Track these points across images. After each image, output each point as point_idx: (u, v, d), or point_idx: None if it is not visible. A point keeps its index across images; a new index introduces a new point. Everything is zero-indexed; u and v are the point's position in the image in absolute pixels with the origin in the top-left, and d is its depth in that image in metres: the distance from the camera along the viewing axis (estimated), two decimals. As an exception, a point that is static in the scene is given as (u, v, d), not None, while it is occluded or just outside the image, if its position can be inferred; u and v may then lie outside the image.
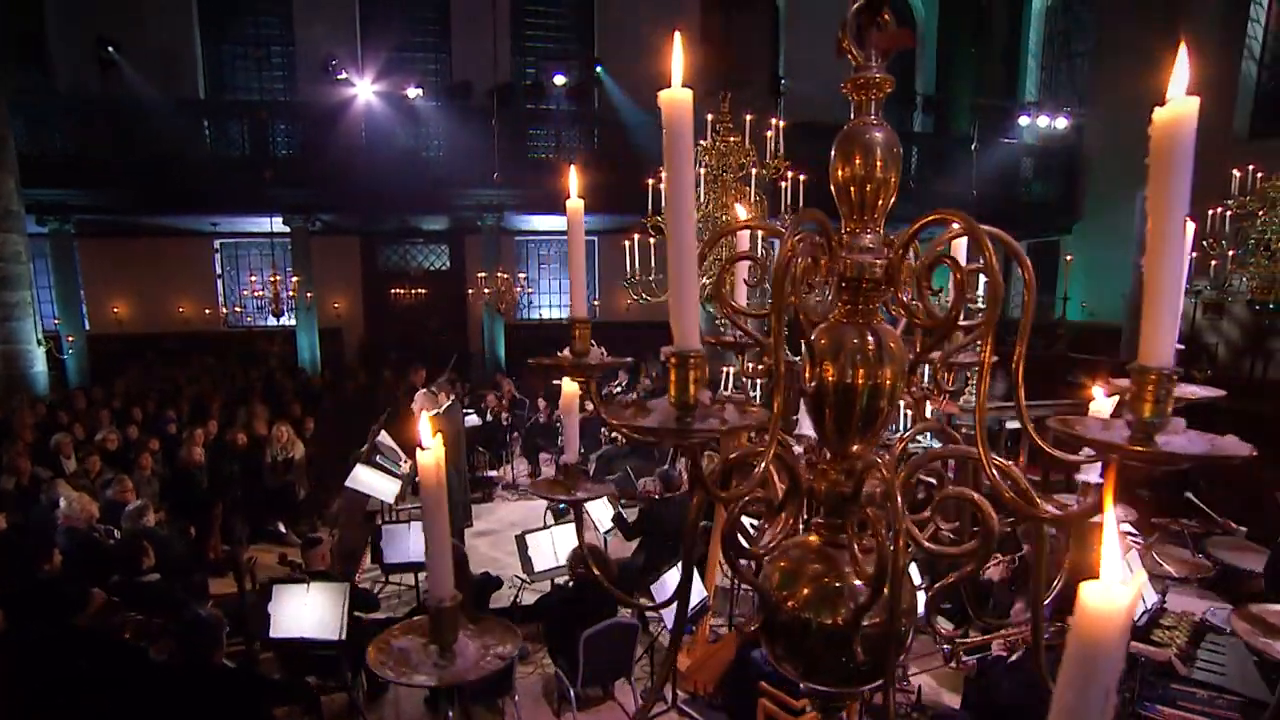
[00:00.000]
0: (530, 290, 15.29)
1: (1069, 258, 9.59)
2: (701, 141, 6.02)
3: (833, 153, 1.06)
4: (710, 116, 6.09)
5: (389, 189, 12.19)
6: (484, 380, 12.45)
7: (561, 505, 8.60)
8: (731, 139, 6.11)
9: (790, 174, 5.74)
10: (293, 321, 12.71)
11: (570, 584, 4.64)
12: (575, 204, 1.11)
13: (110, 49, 12.28)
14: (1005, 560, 4.57)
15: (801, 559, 1.12)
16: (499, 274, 11.64)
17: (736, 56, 10.81)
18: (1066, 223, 15.47)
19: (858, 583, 1.08)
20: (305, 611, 4.22)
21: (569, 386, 1.42)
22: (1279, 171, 7.61)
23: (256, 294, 11.27)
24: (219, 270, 15.11)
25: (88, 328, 12.56)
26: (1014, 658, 3.90)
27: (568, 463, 1.42)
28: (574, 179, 1.11)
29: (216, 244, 14.94)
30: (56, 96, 12.30)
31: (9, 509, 6.08)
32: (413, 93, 12.76)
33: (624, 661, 4.59)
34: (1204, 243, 8.07)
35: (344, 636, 4.21)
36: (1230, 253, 7.71)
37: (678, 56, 0.71)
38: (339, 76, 12.63)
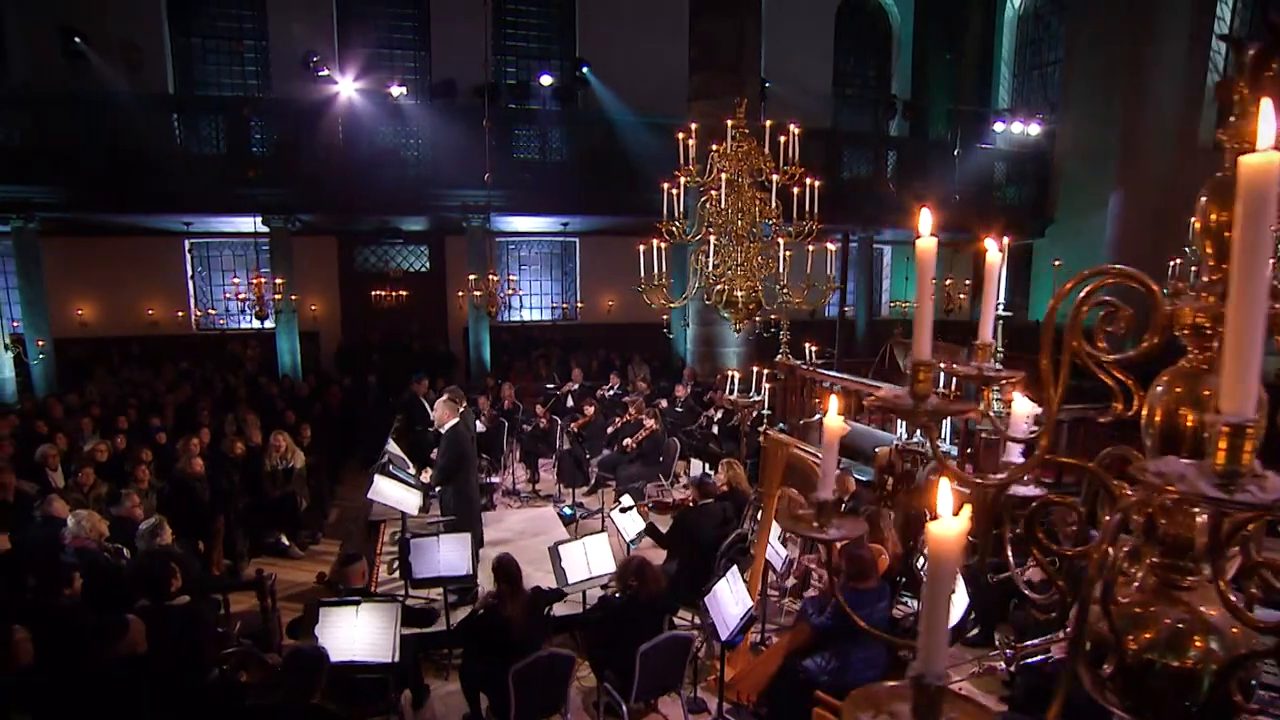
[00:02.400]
0: (519, 293, 15.10)
1: (1057, 263, 9.90)
2: (715, 147, 6.00)
3: (1202, 199, 1.05)
4: (730, 122, 6.07)
5: (373, 188, 11.90)
6: (473, 384, 12.25)
7: (567, 512, 8.58)
8: (745, 145, 6.08)
9: (808, 181, 5.78)
10: (270, 324, 12.31)
11: (619, 596, 4.57)
12: (927, 243, 1.07)
13: (77, 39, 11.71)
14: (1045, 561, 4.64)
15: (1150, 601, 1.11)
16: (489, 275, 11.48)
17: (732, 60, 10.86)
18: (1039, 226, 15.93)
19: (1211, 620, 1.07)
20: (356, 634, 4.08)
21: (832, 423, 1.38)
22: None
23: (240, 296, 10.87)
24: (190, 271, 14.57)
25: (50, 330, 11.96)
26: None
27: (824, 500, 1.38)
28: (926, 219, 1.07)
29: (188, 244, 14.40)
30: (17, 88, 11.69)
31: (3, 528, 5.76)
32: (397, 91, 12.48)
33: (676, 675, 4.54)
34: (1186, 249, 8.41)
35: (397, 658, 4.09)
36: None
37: (1268, 120, 0.68)
38: (320, 73, 12.27)
